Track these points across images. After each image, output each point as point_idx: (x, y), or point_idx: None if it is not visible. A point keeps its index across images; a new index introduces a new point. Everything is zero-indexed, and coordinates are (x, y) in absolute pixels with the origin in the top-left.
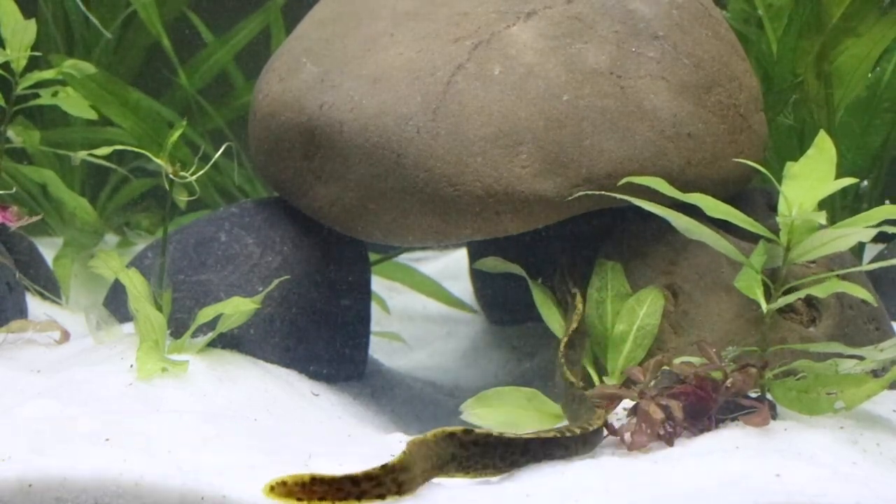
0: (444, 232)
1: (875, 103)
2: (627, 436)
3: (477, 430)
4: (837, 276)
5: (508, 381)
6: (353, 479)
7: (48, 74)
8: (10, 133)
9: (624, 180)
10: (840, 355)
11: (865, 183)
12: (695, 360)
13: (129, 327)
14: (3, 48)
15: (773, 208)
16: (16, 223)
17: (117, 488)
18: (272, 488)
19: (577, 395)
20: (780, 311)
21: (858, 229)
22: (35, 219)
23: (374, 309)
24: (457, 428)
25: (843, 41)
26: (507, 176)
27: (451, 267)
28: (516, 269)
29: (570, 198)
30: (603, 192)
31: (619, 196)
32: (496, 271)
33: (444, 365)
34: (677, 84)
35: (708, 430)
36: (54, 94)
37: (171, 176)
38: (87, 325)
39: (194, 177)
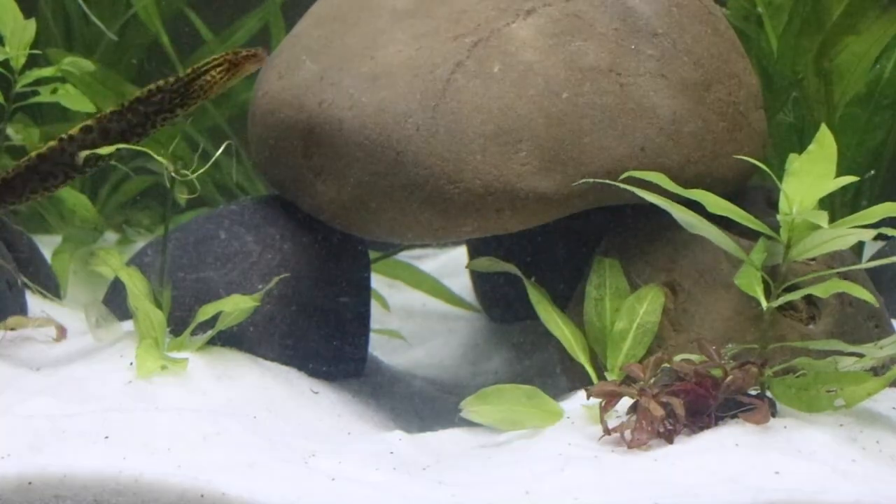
0: (443, 229)
1: (875, 100)
2: (627, 433)
3: None
4: (838, 274)
5: (509, 378)
6: None
7: (47, 72)
8: (10, 130)
9: (625, 174)
10: (840, 353)
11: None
12: (694, 357)
13: (128, 325)
14: (3, 46)
15: (773, 206)
16: None
17: (117, 486)
18: None
19: None
20: (780, 308)
21: (859, 230)
22: None
23: (374, 306)
24: None
25: (843, 39)
26: (506, 173)
27: (450, 264)
28: (511, 268)
29: (574, 184)
30: (606, 181)
31: (622, 185)
32: (490, 271)
33: (444, 362)
34: (677, 82)
35: (707, 427)
36: (54, 91)
37: (171, 174)
38: (87, 323)
39: (194, 174)
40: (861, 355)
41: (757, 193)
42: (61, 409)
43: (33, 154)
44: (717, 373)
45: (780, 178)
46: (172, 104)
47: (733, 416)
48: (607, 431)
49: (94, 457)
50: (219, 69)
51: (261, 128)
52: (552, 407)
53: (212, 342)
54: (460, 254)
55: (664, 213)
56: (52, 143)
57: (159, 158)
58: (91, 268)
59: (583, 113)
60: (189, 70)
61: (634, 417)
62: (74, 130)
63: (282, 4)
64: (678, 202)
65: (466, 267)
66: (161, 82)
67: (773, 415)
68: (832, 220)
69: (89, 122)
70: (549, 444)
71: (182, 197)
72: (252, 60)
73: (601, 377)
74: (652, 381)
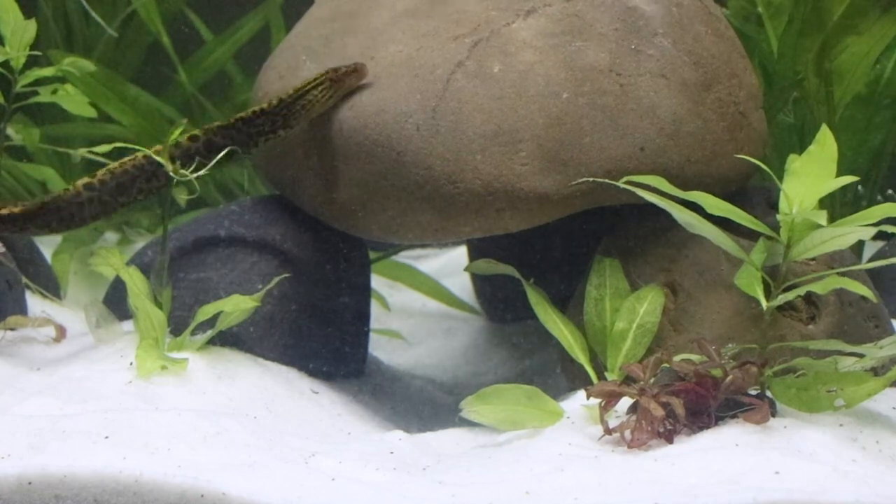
0: (443, 229)
1: (875, 101)
2: (627, 433)
3: None
4: (837, 274)
5: (508, 378)
6: None
7: (48, 72)
8: (10, 130)
9: (624, 179)
10: (840, 353)
11: None
12: (694, 357)
13: (128, 325)
14: (3, 46)
15: (773, 206)
16: None
17: (117, 486)
18: None
19: None
20: (780, 308)
21: (859, 228)
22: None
23: (374, 306)
24: None
25: (843, 39)
26: (506, 174)
27: (450, 264)
28: (510, 270)
29: (572, 183)
30: (606, 181)
31: (622, 185)
32: (489, 273)
33: (443, 362)
34: (677, 82)
35: (707, 427)
36: (54, 92)
37: (171, 174)
38: (87, 323)
39: (194, 175)
40: (861, 355)
41: (757, 193)
42: (61, 409)
43: (140, 154)
44: (717, 373)
45: (780, 178)
46: (275, 126)
47: (733, 416)
48: (607, 431)
49: (94, 457)
50: (320, 88)
51: None
52: (552, 407)
53: (212, 342)
54: (460, 254)
55: (664, 214)
56: (157, 147)
57: (158, 159)
58: (91, 268)
59: (583, 113)
60: (291, 91)
61: (634, 417)
62: (183, 138)
63: (282, 4)
64: (678, 202)
65: (465, 269)
66: (265, 105)
67: (773, 415)
68: (833, 220)
69: (197, 131)
70: (549, 444)
71: (182, 197)
72: (353, 76)
73: (601, 377)
74: (652, 381)
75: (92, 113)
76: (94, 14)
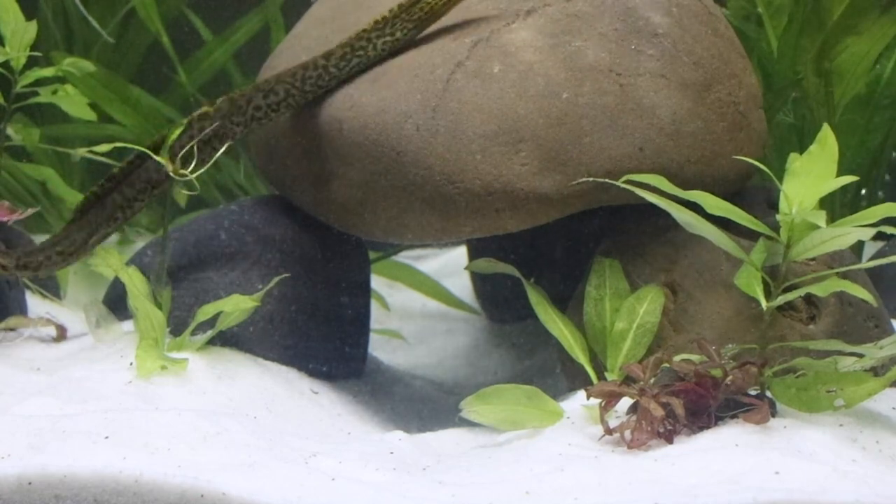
0: (443, 230)
1: (875, 101)
2: (627, 433)
3: None
4: (837, 274)
5: (508, 378)
6: None
7: (48, 72)
8: (10, 130)
9: (624, 178)
10: (840, 353)
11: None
12: (694, 357)
13: (128, 325)
14: (3, 46)
15: (773, 206)
16: (10, 217)
17: (117, 486)
18: None
19: None
20: (780, 308)
21: (858, 228)
22: (30, 212)
23: (374, 306)
24: None
25: (843, 39)
26: (506, 174)
27: (450, 264)
28: (510, 269)
29: (572, 183)
30: (606, 181)
31: (622, 186)
32: (489, 272)
33: (443, 362)
34: (677, 82)
35: (707, 427)
36: (54, 93)
37: (171, 174)
38: (87, 323)
39: (194, 175)
40: (861, 355)
41: (757, 194)
42: (61, 409)
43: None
44: (716, 373)
45: (780, 178)
46: (394, 28)
47: (733, 416)
48: (608, 431)
49: (94, 457)
50: None
51: (261, 128)
52: (552, 407)
53: (212, 342)
54: (460, 254)
55: (664, 214)
56: (280, 73)
57: (158, 158)
58: (91, 268)
59: (583, 113)
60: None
61: (634, 417)
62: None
63: (282, 4)
64: (678, 202)
65: (466, 268)
66: (386, 13)
67: (773, 415)
68: (833, 220)
69: (317, 59)
70: (549, 445)
71: (183, 193)
72: None
73: (601, 377)
74: (652, 381)
75: (91, 116)
76: (90, 18)
